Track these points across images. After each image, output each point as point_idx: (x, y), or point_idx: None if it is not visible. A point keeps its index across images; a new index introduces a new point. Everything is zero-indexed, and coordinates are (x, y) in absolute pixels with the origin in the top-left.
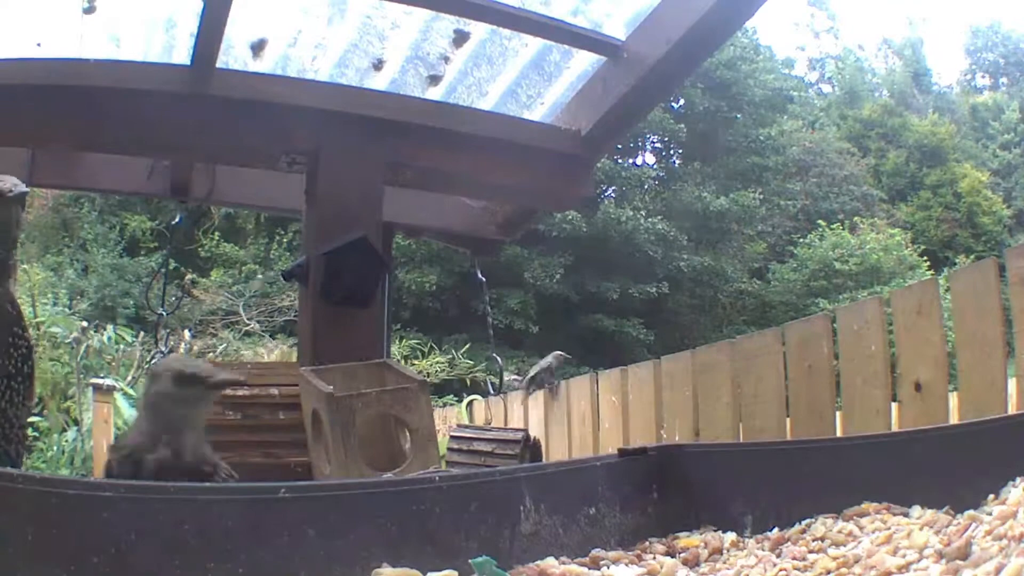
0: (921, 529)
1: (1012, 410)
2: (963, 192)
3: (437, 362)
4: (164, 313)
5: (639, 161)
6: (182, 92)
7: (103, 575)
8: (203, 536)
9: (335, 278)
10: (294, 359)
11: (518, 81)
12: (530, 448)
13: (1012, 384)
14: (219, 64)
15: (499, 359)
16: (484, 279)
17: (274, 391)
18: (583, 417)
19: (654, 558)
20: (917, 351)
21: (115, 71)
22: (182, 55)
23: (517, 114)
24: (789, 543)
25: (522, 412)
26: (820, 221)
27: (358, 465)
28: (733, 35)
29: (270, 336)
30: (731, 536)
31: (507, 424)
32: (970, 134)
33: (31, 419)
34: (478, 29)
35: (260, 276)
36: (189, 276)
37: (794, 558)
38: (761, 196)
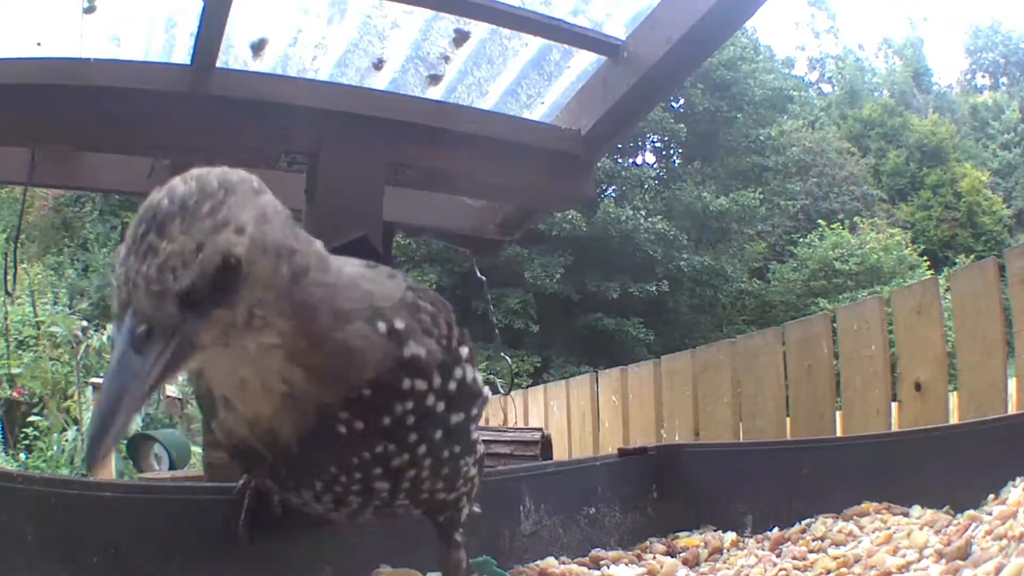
0: (921, 529)
1: (1012, 410)
2: (963, 192)
3: None
4: None
5: (639, 161)
6: (182, 92)
7: (103, 575)
8: (203, 536)
9: None
10: None
11: (518, 81)
12: (544, 447)
13: (1012, 384)
14: (219, 64)
15: (508, 357)
16: (484, 278)
17: None
18: (583, 417)
19: (654, 558)
20: (917, 351)
21: (115, 71)
22: (182, 55)
23: (517, 114)
24: (789, 543)
25: (523, 412)
26: (820, 221)
27: None
28: (733, 35)
29: None
30: (731, 536)
31: (507, 423)
32: (970, 134)
33: (31, 419)
34: (478, 29)
35: None
36: None
37: (794, 558)
38: (761, 196)
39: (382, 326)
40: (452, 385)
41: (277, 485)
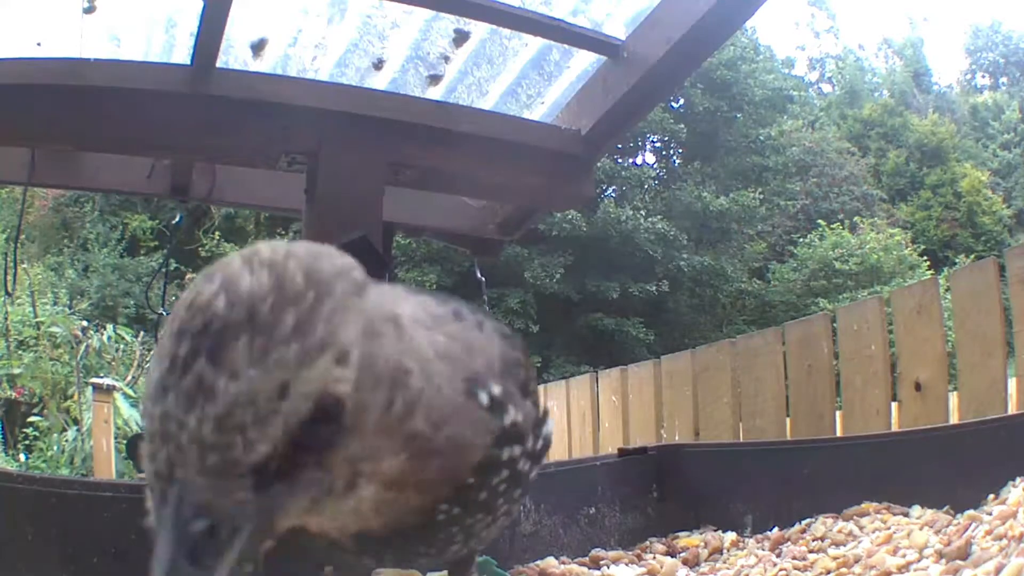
0: (921, 529)
1: (1012, 410)
2: (963, 192)
3: None
4: (165, 313)
5: (639, 161)
6: (182, 92)
7: (103, 575)
8: None
9: None
10: None
11: (518, 81)
12: None
13: (1012, 384)
14: (219, 64)
15: None
16: (483, 278)
17: None
18: (583, 417)
19: (654, 558)
20: (917, 351)
21: (115, 71)
22: (182, 55)
23: (517, 114)
24: (789, 543)
25: None
26: (820, 221)
27: None
28: (733, 35)
29: None
30: (731, 536)
31: None
32: (970, 134)
33: (31, 419)
34: (478, 29)
35: None
36: (190, 276)
37: (794, 558)
38: (761, 196)
39: (484, 397)
40: (540, 444)
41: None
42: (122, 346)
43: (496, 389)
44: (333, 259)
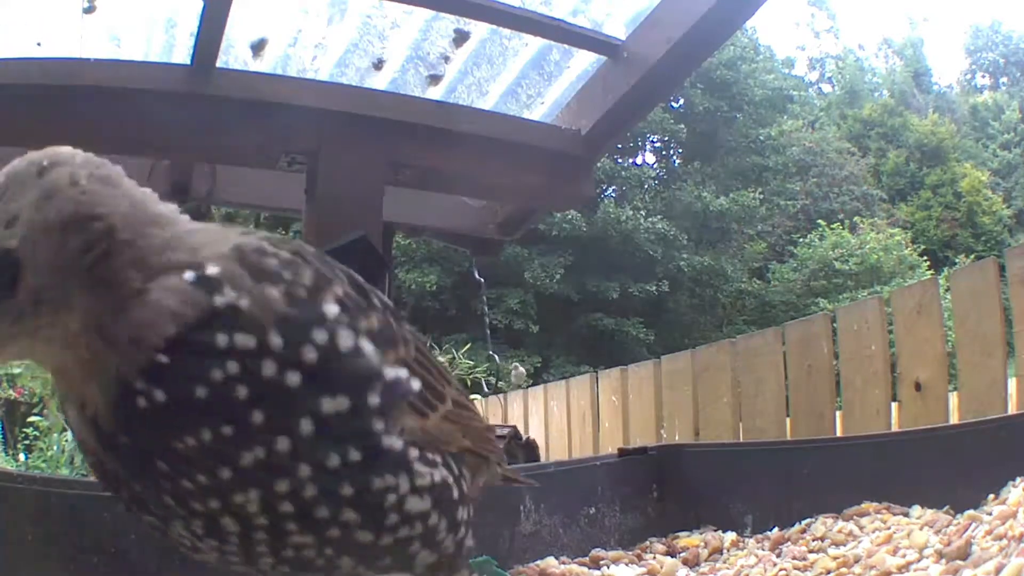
0: (921, 529)
1: (1012, 410)
2: (963, 192)
3: None
4: None
5: (639, 161)
6: (182, 92)
7: (103, 575)
8: None
9: None
10: None
11: (518, 81)
12: (523, 448)
13: (1012, 384)
14: (219, 64)
15: (497, 357)
16: (483, 279)
17: None
18: (583, 417)
19: (654, 558)
20: (917, 351)
21: (115, 71)
22: (182, 55)
23: (517, 114)
24: (789, 543)
25: (522, 412)
26: (820, 221)
27: None
28: (733, 35)
29: None
30: (731, 536)
31: (506, 424)
32: (970, 134)
33: (31, 419)
34: (478, 29)
35: None
36: None
37: (794, 558)
38: (761, 196)
39: (189, 275)
40: (310, 353)
41: (145, 513)
42: None
43: (212, 269)
44: (34, 157)
